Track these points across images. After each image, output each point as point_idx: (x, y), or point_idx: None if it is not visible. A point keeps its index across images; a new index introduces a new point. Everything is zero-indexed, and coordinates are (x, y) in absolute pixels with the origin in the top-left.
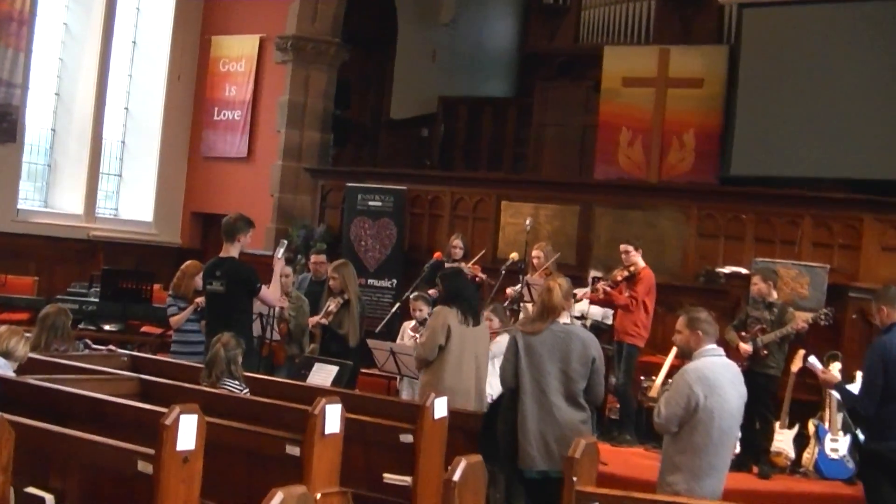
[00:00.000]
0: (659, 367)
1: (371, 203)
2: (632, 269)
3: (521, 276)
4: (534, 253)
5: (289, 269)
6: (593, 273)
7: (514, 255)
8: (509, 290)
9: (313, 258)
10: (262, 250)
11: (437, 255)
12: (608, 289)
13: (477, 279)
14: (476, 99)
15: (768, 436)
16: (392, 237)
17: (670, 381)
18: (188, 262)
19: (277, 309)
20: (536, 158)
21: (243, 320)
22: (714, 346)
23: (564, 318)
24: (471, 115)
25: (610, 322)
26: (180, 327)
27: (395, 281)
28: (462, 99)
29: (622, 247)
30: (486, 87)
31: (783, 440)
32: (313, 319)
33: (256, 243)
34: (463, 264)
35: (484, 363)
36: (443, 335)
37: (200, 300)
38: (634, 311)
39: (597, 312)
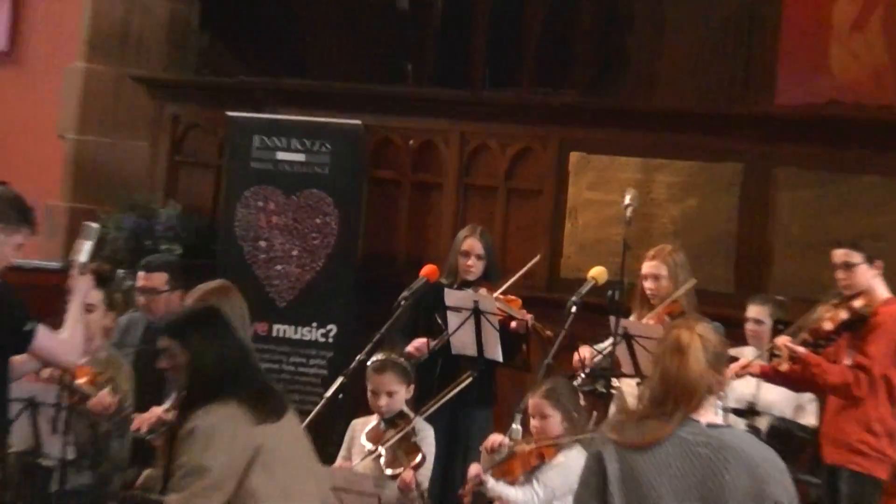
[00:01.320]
0: None
1: (285, 157)
2: (859, 304)
3: (612, 320)
4: (645, 268)
5: (99, 295)
6: (763, 312)
7: (596, 274)
8: (583, 353)
9: (142, 279)
10: (41, 260)
11: (427, 271)
12: (802, 349)
13: (513, 326)
14: None
15: None
16: (330, 233)
17: None
18: None
19: (70, 377)
20: (644, 67)
21: None
22: None
23: (709, 414)
24: None
25: (812, 423)
26: None
27: (333, 329)
28: None
29: (839, 254)
30: None
31: None
32: (145, 416)
33: (29, 247)
34: (483, 292)
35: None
36: (236, 467)
37: None
38: (867, 400)
39: (780, 400)
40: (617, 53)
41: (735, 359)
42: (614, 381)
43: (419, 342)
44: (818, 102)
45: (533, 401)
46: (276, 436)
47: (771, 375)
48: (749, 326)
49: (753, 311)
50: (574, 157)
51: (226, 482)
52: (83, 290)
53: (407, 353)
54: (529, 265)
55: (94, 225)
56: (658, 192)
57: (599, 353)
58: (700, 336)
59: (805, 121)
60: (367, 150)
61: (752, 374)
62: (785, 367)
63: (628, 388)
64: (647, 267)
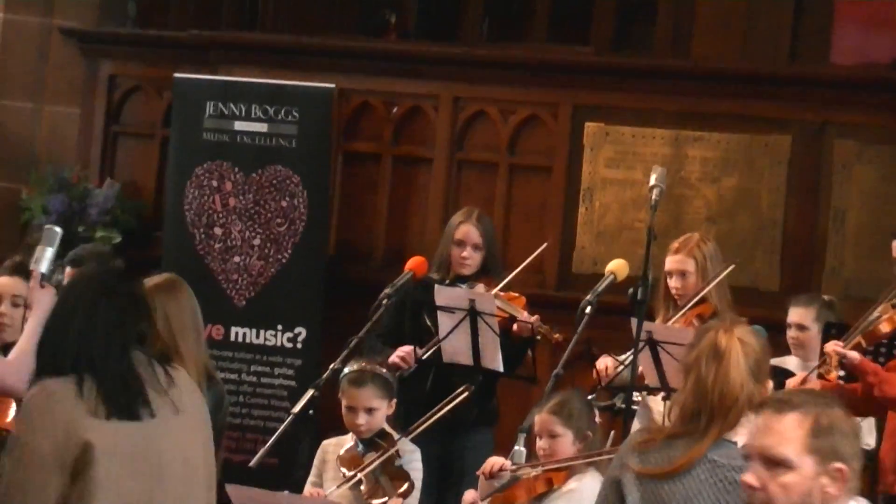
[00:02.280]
0: None
1: (243, 127)
2: None
3: (634, 323)
4: (669, 263)
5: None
6: (808, 315)
7: (616, 268)
8: (604, 363)
9: (69, 275)
10: None
11: (413, 264)
12: (855, 354)
13: (516, 330)
14: None
15: None
16: (297, 219)
17: None
18: None
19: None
20: (675, 21)
21: None
22: None
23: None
24: None
25: (870, 444)
26: None
27: (302, 332)
28: None
29: None
30: None
31: None
32: None
33: None
34: (481, 289)
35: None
36: (56, 467)
37: None
38: None
39: None
40: (643, 4)
41: (783, 371)
42: (636, 395)
43: (405, 350)
44: (882, 62)
45: (540, 418)
46: (116, 438)
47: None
48: (791, 333)
49: (796, 314)
50: (590, 127)
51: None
52: (44, 305)
53: (390, 363)
54: (534, 255)
55: (57, 229)
56: (690, 171)
57: (622, 363)
58: (740, 340)
59: (867, 84)
60: (342, 119)
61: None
62: (833, 375)
63: (655, 403)
64: (672, 262)
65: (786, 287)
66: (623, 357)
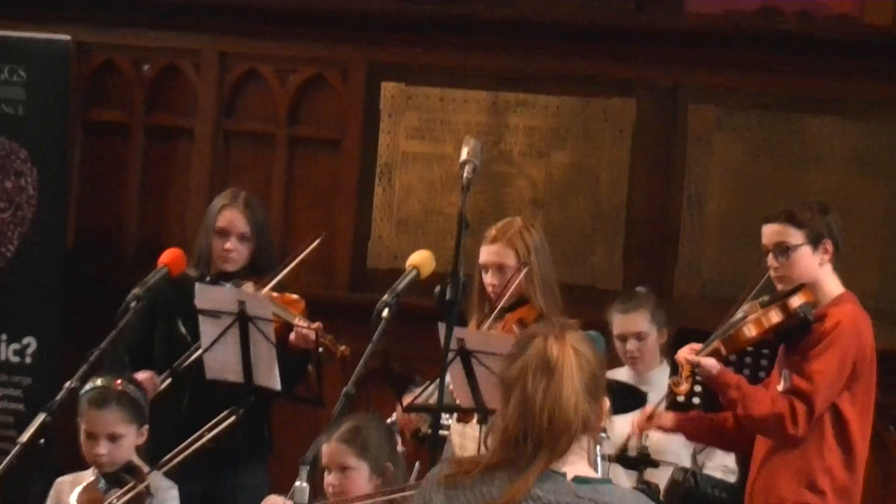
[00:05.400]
0: None
1: None
2: (798, 303)
3: (442, 329)
4: (484, 254)
5: None
6: (643, 320)
7: (419, 262)
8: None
9: None
10: None
11: (167, 258)
12: (711, 361)
13: (292, 340)
14: None
15: None
16: (25, 204)
17: None
18: None
19: None
20: None
21: None
22: None
23: (579, 463)
24: None
25: (732, 480)
26: None
27: (31, 344)
28: None
29: (770, 232)
30: None
31: None
32: None
33: None
34: (250, 289)
35: None
36: None
37: None
38: (809, 442)
39: (684, 443)
40: None
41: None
42: (445, 418)
43: (145, 375)
44: (746, 11)
45: (328, 448)
46: None
47: (685, 426)
48: (629, 346)
49: (629, 322)
50: (389, 89)
51: None
52: None
53: (139, 381)
54: (308, 250)
55: None
56: (512, 143)
57: (423, 379)
58: (574, 349)
59: (728, 37)
60: (81, 81)
61: (663, 429)
62: (683, 388)
63: (465, 428)
64: (488, 253)
65: (630, 285)
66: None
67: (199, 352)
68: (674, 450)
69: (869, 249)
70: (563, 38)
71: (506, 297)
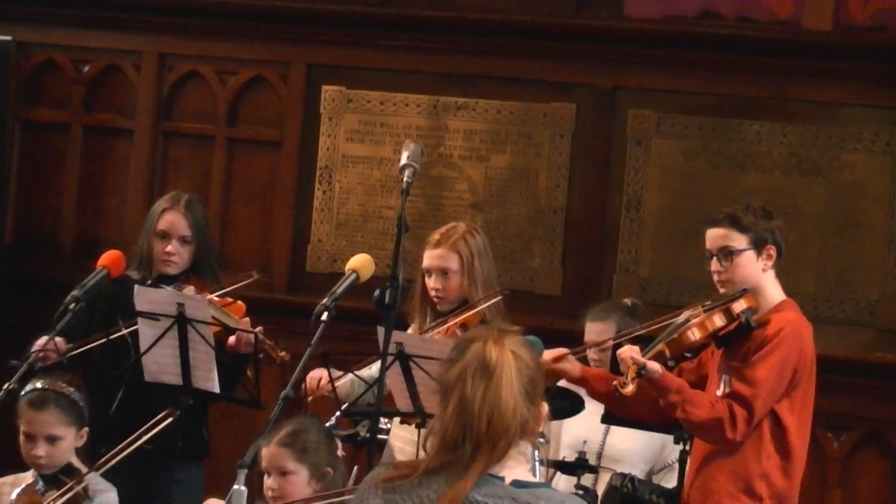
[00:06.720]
0: None
1: None
2: (740, 308)
3: (381, 333)
4: (427, 259)
5: None
6: (610, 330)
7: (358, 265)
8: (320, 374)
9: None
10: None
11: (107, 259)
12: (655, 364)
13: (231, 343)
14: None
15: None
16: None
17: None
18: None
19: None
20: None
21: None
22: None
23: (518, 466)
24: None
25: (671, 486)
26: None
27: None
28: None
29: (713, 236)
30: None
31: None
32: None
33: None
34: (191, 292)
35: None
36: None
37: None
38: (747, 446)
39: (637, 450)
40: None
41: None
42: (383, 422)
43: (42, 340)
44: (686, 15)
45: (268, 451)
46: None
47: (589, 380)
48: (591, 355)
49: (597, 330)
50: (329, 91)
51: None
52: None
53: (78, 383)
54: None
55: None
56: (452, 146)
57: (360, 378)
58: (513, 353)
59: (668, 40)
60: (20, 80)
61: (568, 376)
62: (629, 390)
63: (403, 431)
64: (431, 257)
65: (569, 289)
66: (364, 372)
67: (136, 357)
68: (631, 460)
69: (806, 251)
70: (500, 38)
71: (449, 301)
